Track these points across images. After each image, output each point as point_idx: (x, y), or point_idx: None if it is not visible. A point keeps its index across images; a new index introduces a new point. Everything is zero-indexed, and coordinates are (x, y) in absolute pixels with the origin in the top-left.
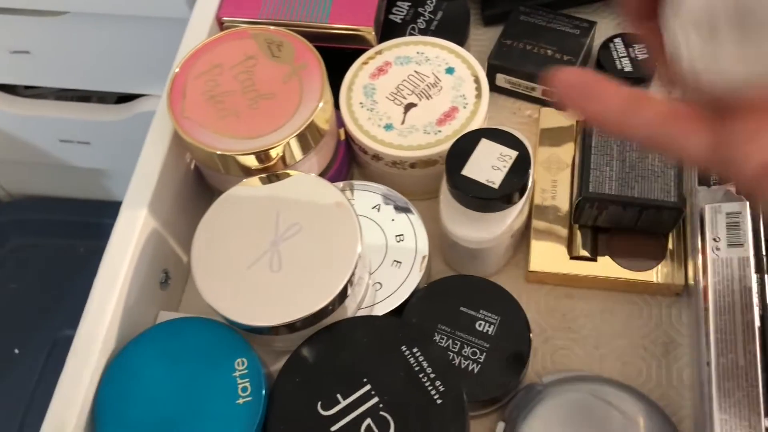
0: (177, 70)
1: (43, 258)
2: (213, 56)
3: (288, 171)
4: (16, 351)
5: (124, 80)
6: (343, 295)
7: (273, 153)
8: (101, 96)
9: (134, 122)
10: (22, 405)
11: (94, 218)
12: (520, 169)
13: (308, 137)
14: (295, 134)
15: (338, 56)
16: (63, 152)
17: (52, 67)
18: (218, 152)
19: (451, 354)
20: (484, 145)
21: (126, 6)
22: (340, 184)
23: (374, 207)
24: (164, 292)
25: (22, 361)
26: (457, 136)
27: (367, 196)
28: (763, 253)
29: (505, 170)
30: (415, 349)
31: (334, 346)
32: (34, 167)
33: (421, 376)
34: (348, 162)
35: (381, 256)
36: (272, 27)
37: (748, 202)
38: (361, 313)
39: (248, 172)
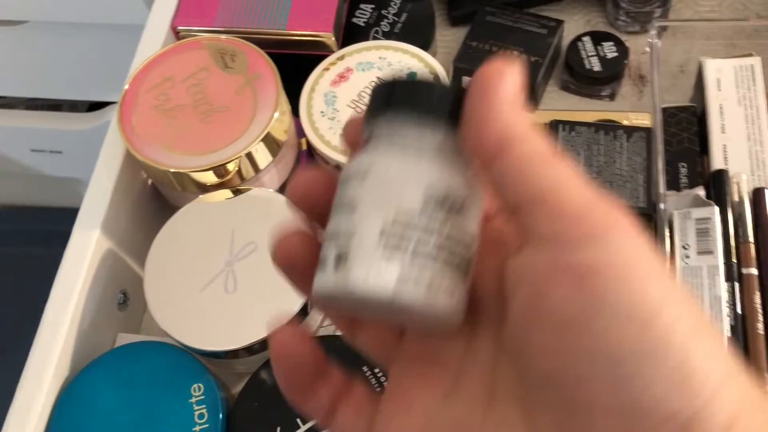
0: (127, 86)
1: (18, 268)
2: (165, 68)
3: (244, 187)
4: None
5: (92, 88)
6: (302, 314)
7: (229, 168)
8: (72, 104)
9: (106, 130)
10: (2, 418)
11: (69, 226)
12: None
13: (265, 149)
14: (250, 147)
15: (299, 62)
16: (35, 162)
17: (18, 77)
18: (172, 170)
19: None
20: None
21: (86, 14)
22: None
23: None
24: (123, 313)
25: (5, 374)
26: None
27: None
28: (733, 260)
29: None
30: (376, 370)
31: None
32: (7, 177)
33: None
34: None
35: None
36: (224, 36)
37: (717, 208)
38: (323, 331)
39: (204, 188)
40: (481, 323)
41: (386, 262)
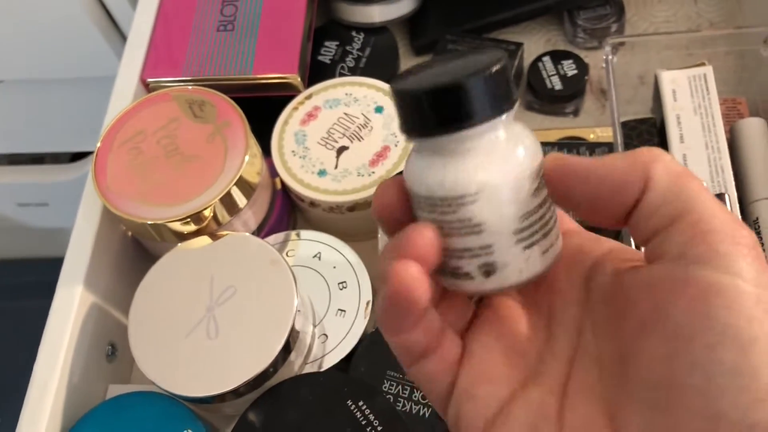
0: (99, 144)
1: (13, 321)
2: (135, 122)
3: (221, 232)
4: None
5: (73, 138)
6: (285, 354)
7: (204, 214)
8: (55, 156)
9: None
10: None
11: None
12: None
13: (239, 193)
14: (223, 193)
15: (269, 104)
16: (22, 216)
17: None
18: (149, 222)
19: (401, 400)
20: None
21: (60, 70)
22: (281, 235)
23: (315, 256)
24: (112, 364)
25: (4, 429)
26: (391, 176)
27: (308, 245)
28: None
29: None
30: (360, 403)
31: (279, 408)
32: None
33: (368, 430)
34: (288, 210)
35: (325, 305)
36: (191, 87)
37: None
38: (308, 367)
39: (182, 236)
40: (560, 327)
41: (529, 253)
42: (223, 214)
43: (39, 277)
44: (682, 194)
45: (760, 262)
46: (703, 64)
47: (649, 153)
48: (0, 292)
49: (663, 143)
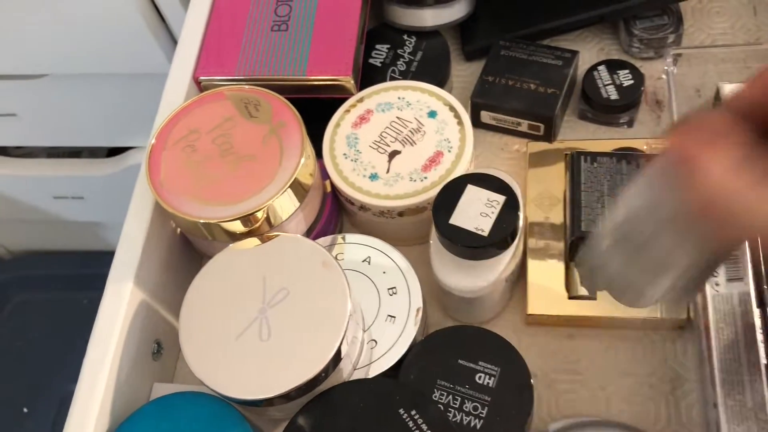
0: (153, 141)
1: (46, 313)
2: (189, 121)
3: (273, 233)
4: (25, 410)
5: (111, 134)
6: (336, 359)
7: (258, 216)
8: (92, 150)
9: (126, 174)
10: None
11: (95, 269)
12: (509, 214)
13: (292, 195)
14: (278, 195)
15: (320, 105)
16: (58, 208)
17: (39, 127)
18: (202, 221)
19: (452, 411)
20: (471, 192)
21: (103, 65)
22: (329, 238)
23: (364, 260)
24: (158, 362)
25: (32, 420)
26: (444, 182)
27: (357, 249)
28: (765, 286)
29: (494, 216)
30: (413, 412)
31: (330, 414)
32: (31, 224)
33: None
34: (337, 213)
35: (374, 311)
36: (247, 86)
37: None
38: (357, 373)
39: (234, 236)
40: None
41: None
42: (276, 216)
43: (73, 269)
44: None
45: None
46: None
47: None
48: (34, 283)
49: None
